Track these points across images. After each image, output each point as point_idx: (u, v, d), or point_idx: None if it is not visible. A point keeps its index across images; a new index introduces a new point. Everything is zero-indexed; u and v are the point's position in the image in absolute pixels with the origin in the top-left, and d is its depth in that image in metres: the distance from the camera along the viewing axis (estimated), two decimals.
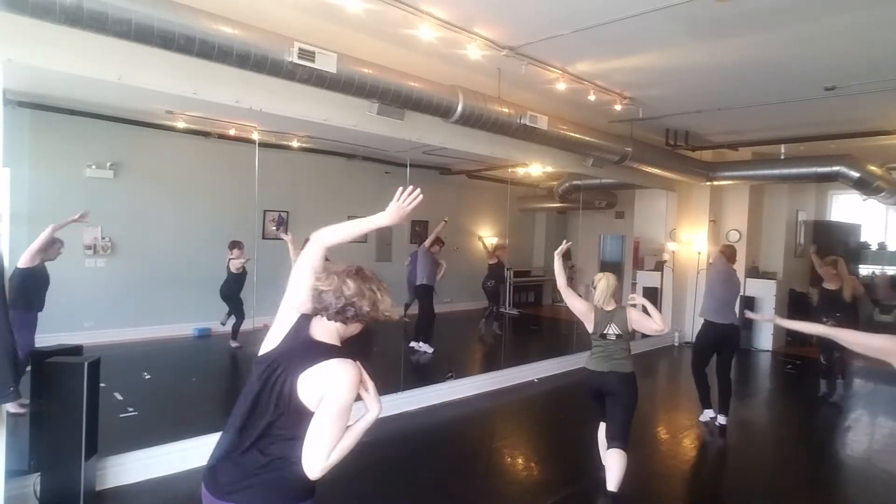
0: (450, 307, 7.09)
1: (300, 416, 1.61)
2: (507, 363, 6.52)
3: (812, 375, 6.51)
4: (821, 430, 5.18)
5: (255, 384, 1.67)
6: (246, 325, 5.60)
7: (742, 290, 8.60)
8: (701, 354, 5.17)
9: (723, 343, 5.04)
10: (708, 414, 5.05)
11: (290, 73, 3.63)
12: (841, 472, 4.28)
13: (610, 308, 3.61)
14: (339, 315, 1.67)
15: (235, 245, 6.06)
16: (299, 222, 7.87)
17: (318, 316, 1.69)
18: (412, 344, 6.75)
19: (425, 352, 6.67)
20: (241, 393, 1.71)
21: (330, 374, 1.61)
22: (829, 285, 5.80)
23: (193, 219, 6.71)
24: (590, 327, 3.63)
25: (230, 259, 6.02)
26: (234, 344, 6.24)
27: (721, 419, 4.93)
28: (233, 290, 6.13)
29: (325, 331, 1.70)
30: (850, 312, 5.56)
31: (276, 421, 1.63)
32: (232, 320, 6.19)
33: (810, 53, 4.19)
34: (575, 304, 3.67)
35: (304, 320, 1.70)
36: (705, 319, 5.11)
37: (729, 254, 5.33)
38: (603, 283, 3.66)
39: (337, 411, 1.59)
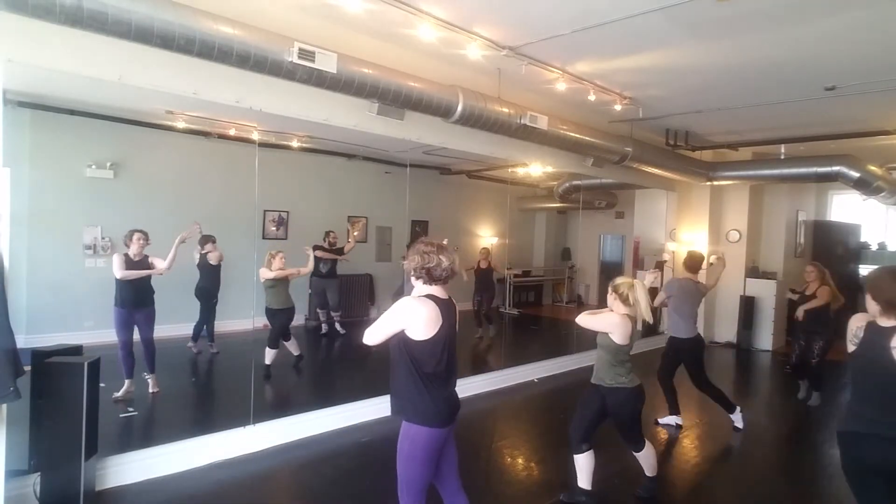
0: None
1: None
2: (506, 363, 6.52)
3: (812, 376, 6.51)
4: (821, 430, 5.18)
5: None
6: (244, 326, 5.58)
7: (742, 290, 8.64)
8: (666, 368, 5.03)
9: (686, 356, 4.89)
10: (673, 420, 4.99)
11: (290, 73, 3.63)
12: (841, 473, 4.28)
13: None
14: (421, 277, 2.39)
15: (208, 240, 6.00)
16: (299, 222, 7.88)
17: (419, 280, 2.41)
18: None
19: None
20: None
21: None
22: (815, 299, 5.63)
23: (193, 219, 6.70)
24: (624, 339, 3.32)
25: (207, 252, 5.93)
26: (193, 347, 6.08)
27: (737, 421, 4.94)
28: (214, 285, 6.05)
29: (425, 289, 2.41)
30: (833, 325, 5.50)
31: None
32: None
33: (810, 53, 4.19)
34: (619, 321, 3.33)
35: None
36: (671, 336, 4.98)
37: (693, 266, 5.17)
38: (641, 289, 3.32)
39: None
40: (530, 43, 4.11)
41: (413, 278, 2.38)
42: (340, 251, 7.58)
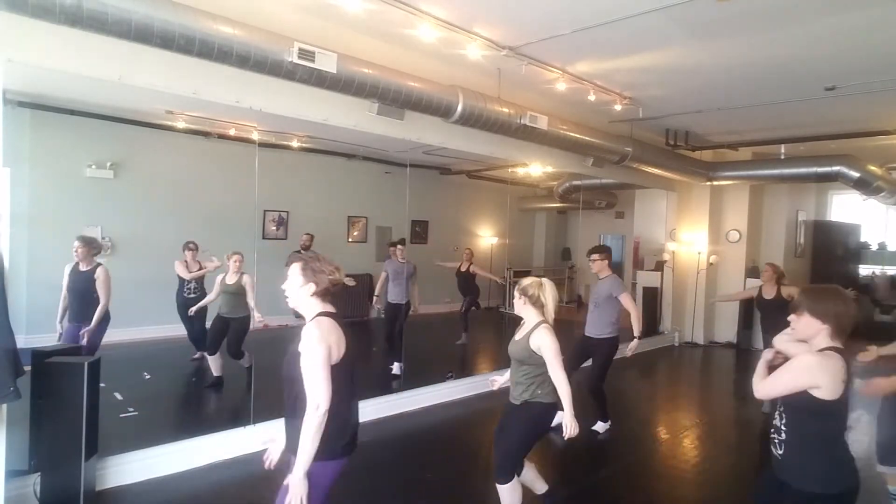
0: (450, 307, 7.10)
1: None
2: (506, 363, 6.50)
3: None
4: None
5: None
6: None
7: (742, 290, 8.63)
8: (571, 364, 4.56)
9: (596, 352, 4.68)
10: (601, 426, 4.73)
11: (290, 73, 3.63)
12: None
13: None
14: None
15: (189, 247, 5.66)
16: (299, 222, 7.88)
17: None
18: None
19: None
20: None
21: None
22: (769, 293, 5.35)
23: (193, 219, 6.71)
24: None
25: (202, 268, 5.53)
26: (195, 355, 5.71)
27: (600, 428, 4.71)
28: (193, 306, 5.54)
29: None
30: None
31: None
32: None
33: (810, 53, 4.19)
34: None
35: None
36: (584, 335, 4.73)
37: (607, 257, 4.77)
38: (550, 288, 2.97)
39: None
40: (530, 43, 4.11)
41: (308, 298, 2.13)
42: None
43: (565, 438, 2.75)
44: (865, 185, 7.21)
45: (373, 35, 4.00)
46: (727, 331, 8.88)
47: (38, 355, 3.21)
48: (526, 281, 2.97)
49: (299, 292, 2.13)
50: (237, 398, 5.23)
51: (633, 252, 10.54)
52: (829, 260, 9.83)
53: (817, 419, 1.95)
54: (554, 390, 2.87)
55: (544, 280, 2.98)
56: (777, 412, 2.10)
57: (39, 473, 3.09)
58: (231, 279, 5.27)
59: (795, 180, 8.13)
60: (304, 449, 1.98)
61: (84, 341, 4.11)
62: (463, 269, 7.77)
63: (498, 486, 2.92)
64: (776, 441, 2.07)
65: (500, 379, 3.29)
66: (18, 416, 2.98)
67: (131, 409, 4.57)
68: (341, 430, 2.13)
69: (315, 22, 3.74)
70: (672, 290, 8.83)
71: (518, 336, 2.97)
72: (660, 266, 9.11)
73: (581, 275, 11.94)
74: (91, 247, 4.32)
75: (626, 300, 4.62)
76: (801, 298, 2.06)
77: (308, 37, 3.64)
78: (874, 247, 10.56)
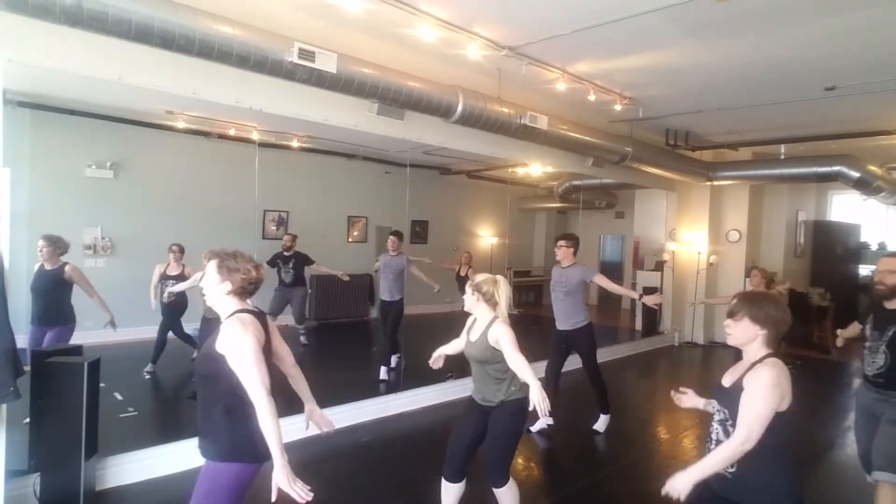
0: (450, 307, 7.10)
1: None
2: None
3: (811, 376, 6.52)
4: (821, 430, 5.17)
5: None
6: None
7: (742, 290, 8.63)
8: (556, 362, 4.75)
9: (579, 344, 4.66)
10: (545, 421, 4.63)
11: (290, 73, 3.63)
12: (841, 473, 4.28)
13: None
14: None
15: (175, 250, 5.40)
16: (299, 222, 7.88)
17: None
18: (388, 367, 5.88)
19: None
20: None
21: None
22: None
23: (193, 219, 6.71)
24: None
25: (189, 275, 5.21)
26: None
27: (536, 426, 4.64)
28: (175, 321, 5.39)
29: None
30: None
31: None
32: None
33: (810, 53, 4.19)
34: None
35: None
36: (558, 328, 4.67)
37: (575, 245, 4.61)
38: (504, 286, 2.88)
39: None
40: (530, 43, 4.11)
41: (223, 297, 2.07)
42: (299, 260, 6.72)
43: (541, 416, 2.67)
44: (865, 185, 7.21)
45: (373, 35, 4.00)
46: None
47: (38, 355, 3.21)
48: (480, 277, 2.87)
49: (215, 290, 2.07)
50: None
51: (633, 252, 10.55)
52: (829, 260, 9.83)
53: (772, 432, 1.88)
54: (525, 385, 2.70)
55: (499, 277, 2.88)
56: (717, 428, 2.02)
57: (39, 473, 3.09)
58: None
59: (795, 180, 8.14)
60: (273, 440, 1.93)
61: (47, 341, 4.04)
62: (462, 273, 7.63)
63: (496, 490, 2.87)
64: None
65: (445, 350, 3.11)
66: (19, 416, 2.99)
67: (131, 409, 4.57)
68: (259, 433, 1.98)
69: (315, 22, 3.74)
70: (672, 290, 8.84)
71: (474, 337, 2.85)
72: (660, 266, 9.11)
73: None
74: (56, 246, 4.18)
75: (603, 280, 4.56)
76: (740, 303, 2.03)
77: (308, 37, 3.64)
78: (874, 247, 10.55)
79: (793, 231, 9.42)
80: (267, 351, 2.09)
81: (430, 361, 3.09)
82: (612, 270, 11.98)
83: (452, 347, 3.09)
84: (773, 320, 1.97)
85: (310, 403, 2.51)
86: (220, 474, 2.03)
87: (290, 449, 4.37)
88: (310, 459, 4.13)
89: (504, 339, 2.70)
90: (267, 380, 1.99)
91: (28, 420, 3.14)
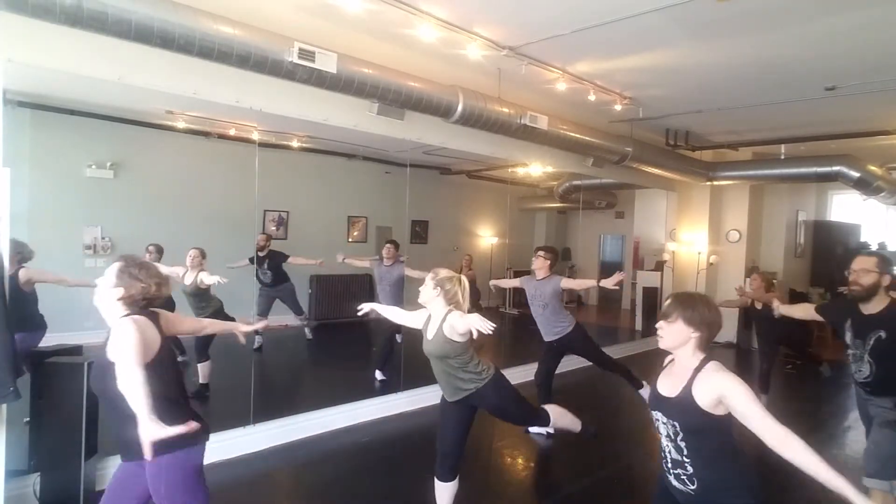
0: None
1: None
2: (506, 363, 6.51)
3: (812, 376, 6.52)
4: (821, 430, 5.18)
5: None
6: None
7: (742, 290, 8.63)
8: (548, 371, 4.76)
9: (575, 347, 4.68)
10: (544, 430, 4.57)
11: (290, 73, 3.63)
12: (841, 473, 4.28)
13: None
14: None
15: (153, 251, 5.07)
16: (299, 222, 7.87)
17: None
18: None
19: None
20: None
21: None
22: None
23: (193, 219, 6.71)
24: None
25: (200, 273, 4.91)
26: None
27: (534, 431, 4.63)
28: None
29: None
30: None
31: None
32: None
33: (810, 53, 4.19)
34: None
35: None
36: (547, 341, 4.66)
37: (553, 259, 4.61)
38: (466, 285, 2.89)
39: None
40: (530, 43, 4.11)
41: (113, 301, 2.02)
42: (274, 259, 6.49)
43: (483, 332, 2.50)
44: (865, 185, 7.21)
45: (373, 35, 4.00)
46: (727, 331, 8.87)
47: (38, 355, 3.21)
48: (444, 272, 2.80)
49: (106, 292, 2.02)
50: (237, 399, 5.23)
51: (633, 252, 10.55)
52: (829, 260, 9.83)
53: (721, 434, 1.86)
54: (486, 361, 2.89)
55: (463, 278, 2.85)
56: (668, 445, 1.95)
57: (39, 473, 3.09)
58: (188, 279, 4.87)
59: (795, 180, 8.14)
60: (138, 405, 1.79)
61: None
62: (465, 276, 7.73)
63: (549, 428, 3.22)
64: (682, 477, 1.91)
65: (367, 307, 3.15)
66: (19, 416, 2.98)
67: None
68: (185, 420, 1.97)
69: (315, 22, 3.74)
70: (672, 290, 8.83)
71: (430, 334, 2.78)
72: (660, 266, 9.11)
73: (581, 275, 11.94)
74: (16, 251, 3.77)
75: (569, 283, 4.60)
76: (673, 304, 1.94)
77: (308, 37, 3.65)
78: (874, 247, 10.55)
79: (793, 231, 9.42)
80: (165, 350, 2.07)
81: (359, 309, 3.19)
82: (613, 270, 11.95)
83: (411, 320, 3.03)
84: (707, 322, 1.90)
85: (240, 326, 2.66)
86: (179, 461, 2.03)
87: (291, 448, 4.38)
88: (310, 459, 4.13)
89: (455, 320, 2.64)
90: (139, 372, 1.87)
91: (28, 420, 3.14)
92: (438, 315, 2.77)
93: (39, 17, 2.73)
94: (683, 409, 1.88)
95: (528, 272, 4.85)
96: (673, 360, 2.06)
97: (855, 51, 4.09)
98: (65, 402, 3.08)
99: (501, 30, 3.91)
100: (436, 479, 2.92)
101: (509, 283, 5.19)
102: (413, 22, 3.65)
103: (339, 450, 4.27)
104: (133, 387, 1.80)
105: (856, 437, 5.02)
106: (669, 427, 1.94)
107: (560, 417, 3.21)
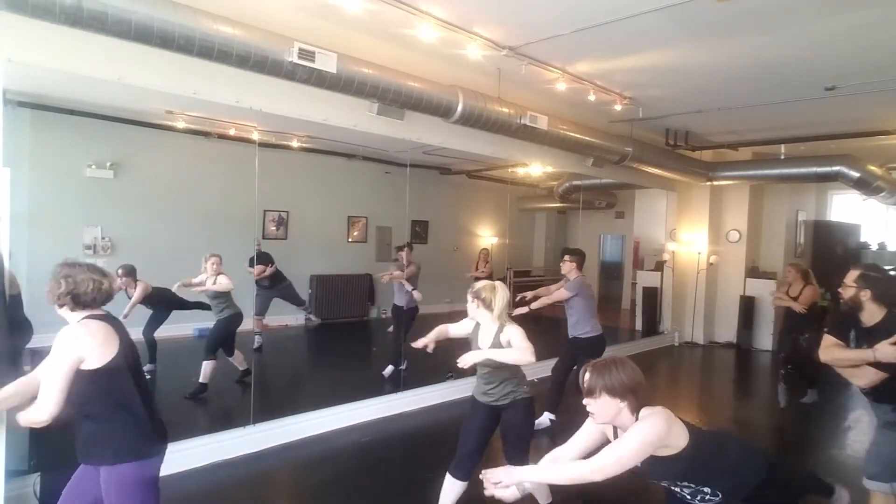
0: (450, 307, 7.10)
1: None
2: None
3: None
4: (822, 430, 5.18)
5: None
6: (244, 326, 5.52)
7: (742, 290, 8.64)
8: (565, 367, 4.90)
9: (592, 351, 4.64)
10: (547, 417, 4.80)
11: (290, 73, 3.63)
12: (841, 473, 4.28)
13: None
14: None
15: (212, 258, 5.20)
16: (299, 222, 7.88)
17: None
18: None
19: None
20: None
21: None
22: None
23: (193, 219, 6.71)
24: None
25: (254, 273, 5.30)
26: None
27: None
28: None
29: None
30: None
31: None
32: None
33: (810, 53, 4.18)
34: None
35: None
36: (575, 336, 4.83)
37: (580, 262, 4.88)
38: (502, 292, 2.94)
39: None
40: (530, 43, 4.11)
41: (58, 308, 2.07)
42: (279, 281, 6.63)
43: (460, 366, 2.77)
44: (865, 185, 7.21)
45: (373, 35, 4.00)
46: (727, 331, 8.88)
47: (38, 355, 3.20)
48: (479, 284, 2.94)
49: (48, 297, 2.06)
50: (237, 399, 5.24)
51: (633, 252, 10.55)
52: (829, 260, 9.82)
53: (704, 457, 1.90)
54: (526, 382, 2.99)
55: (498, 284, 2.96)
56: (679, 493, 1.99)
57: (39, 473, 3.09)
58: (209, 283, 5.12)
59: (795, 180, 8.13)
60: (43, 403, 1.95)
61: None
62: (482, 274, 7.74)
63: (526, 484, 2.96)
64: (708, 499, 1.98)
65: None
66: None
67: None
68: (142, 431, 2.10)
69: (315, 22, 3.74)
70: (672, 290, 8.84)
71: (484, 344, 2.89)
72: (660, 266, 9.11)
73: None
74: None
75: (560, 293, 4.81)
76: (593, 378, 1.88)
77: (308, 37, 3.64)
78: (874, 247, 10.55)
79: (793, 231, 9.42)
80: (123, 355, 2.06)
81: (419, 344, 3.10)
82: (612, 270, 11.99)
83: (456, 330, 3.11)
84: (630, 388, 1.83)
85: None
86: (129, 475, 2.07)
87: (291, 448, 4.37)
88: (310, 459, 4.13)
89: (515, 336, 2.79)
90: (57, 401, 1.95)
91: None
92: (490, 325, 2.91)
93: (39, 17, 2.73)
94: (655, 468, 1.91)
95: (528, 272, 4.92)
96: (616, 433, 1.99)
97: (855, 51, 4.09)
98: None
99: (501, 30, 3.91)
100: (448, 475, 2.96)
101: (549, 300, 5.02)
102: (413, 22, 3.65)
103: (339, 450, 4.27)
104: (47, 387, 1.90)
105: (856, 437, 5.02)
106: (665, 485, 1.99)
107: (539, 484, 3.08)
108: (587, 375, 1.91)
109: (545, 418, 4.77)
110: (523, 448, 2.99)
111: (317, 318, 7.26)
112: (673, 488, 2.00)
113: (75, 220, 5.77)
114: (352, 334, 8.32)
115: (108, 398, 2.02)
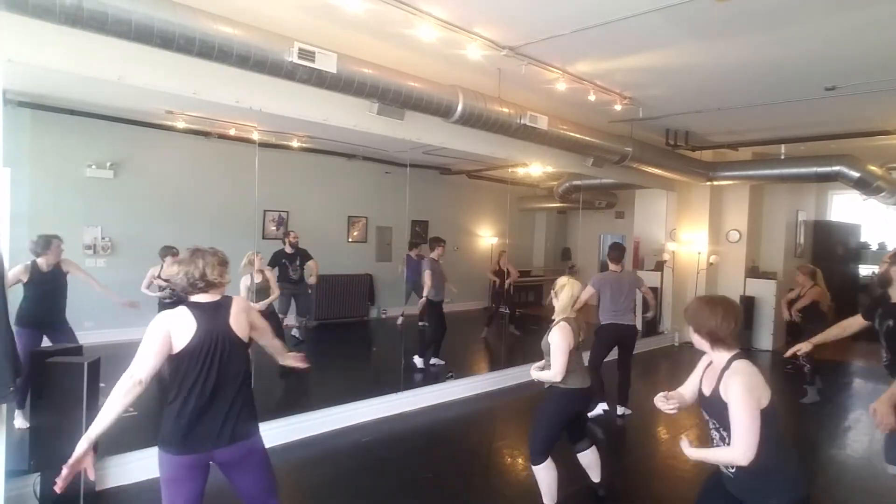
0: (450, 307, 7.11)
1: None
2: (507, 363, 6.52)
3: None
4: (822, 430, 5.18)
5: None
6: None
7: (742, 290, 8.63)
8: (600, 354, 5.17)
9: (624, 341, 5.29)
10: (601, 407, 5.18)
11: (290, 73, 3.63)
12: (841, 473, 4.28)
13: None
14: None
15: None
16: (299, 222, 7.87)
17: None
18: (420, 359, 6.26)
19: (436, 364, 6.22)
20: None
21: None
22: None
23: (193, 219, 6.71)
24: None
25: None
26: None
27: (621, 410, 5.20)
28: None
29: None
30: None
31: None
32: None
33: (810, 53, 4.19)
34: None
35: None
36: (609, 322, 5.17)
37: (615, 256, 5.39)
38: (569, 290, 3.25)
39: None
40: (530, 43, 4.11)
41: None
42: (303, 257, 6.72)
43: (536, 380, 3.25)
44: (865, 185, 7.21)
45: (373, 35, 4.00)
46: None
47: (38, 355, 3.21)
48: (561, 280, 3.28)
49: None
50: None
51: (633, 252, 10.54)
52: (829, 260, 9.82)
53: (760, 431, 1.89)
54: (579, 378, 3.22)
55: (571, 280, 3.27)
56: (715, 431, 2.05)
57: (39, 473, 3.09)
58: (258, 278, 5.44)
59: (795, 180, 8.13)
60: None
61: None
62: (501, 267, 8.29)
63: (532, 467, 3.24)
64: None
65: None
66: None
67: (131, 410, 4.55)
68: (173, 427, 2.28)
69: (315, 22, 3.74)
70: (672, 290, 8.84)
71: (545, 340, 3.27)
72: (660, 266, 9.11)
73: (580, 275, 11.94)
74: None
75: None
76: (689, 312, 2.11)
77: (308, 37, 3.65)
78: (874, 247, 10.55)
79: (793, 231, 9.42)
80: (198, 342, 2.24)
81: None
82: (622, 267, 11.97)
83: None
84: (706, 328, 2.02)
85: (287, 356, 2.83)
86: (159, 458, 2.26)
87: (291, 449, 4.38)
88: (310, 459, 4.13)
89: (553, 343, 3.12)
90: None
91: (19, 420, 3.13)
92: (556, 318, 3.26)
93: (39, 17, 2.73)
94: (715, 408, 1.99)
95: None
96: (710, 361, 2.14)
97: (855, 51, 4.09)
98: (65, 402, 3.08)
99: (501, 30, 3.91)
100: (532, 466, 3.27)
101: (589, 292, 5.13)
102: (413, 22, 3.65)
103: (339, 450, 4.27)
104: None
105: (856, 437, 5.03)
106: (712, 422, 2.05)
107: (546, 481, 3.33)
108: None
109: (599, 409, 5.14)
110: (535, 430, 3.25)
111: (302, 336, 7.26)
112: (715, 433, 2.06)
113: (75, 220, 5.76)
114: (352, 334, 8.32)
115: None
